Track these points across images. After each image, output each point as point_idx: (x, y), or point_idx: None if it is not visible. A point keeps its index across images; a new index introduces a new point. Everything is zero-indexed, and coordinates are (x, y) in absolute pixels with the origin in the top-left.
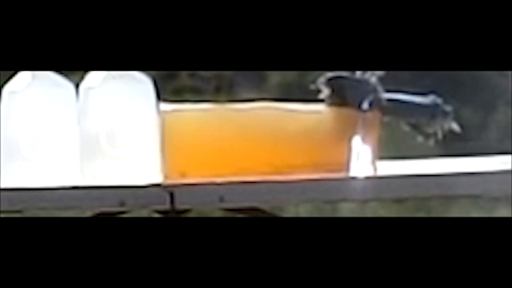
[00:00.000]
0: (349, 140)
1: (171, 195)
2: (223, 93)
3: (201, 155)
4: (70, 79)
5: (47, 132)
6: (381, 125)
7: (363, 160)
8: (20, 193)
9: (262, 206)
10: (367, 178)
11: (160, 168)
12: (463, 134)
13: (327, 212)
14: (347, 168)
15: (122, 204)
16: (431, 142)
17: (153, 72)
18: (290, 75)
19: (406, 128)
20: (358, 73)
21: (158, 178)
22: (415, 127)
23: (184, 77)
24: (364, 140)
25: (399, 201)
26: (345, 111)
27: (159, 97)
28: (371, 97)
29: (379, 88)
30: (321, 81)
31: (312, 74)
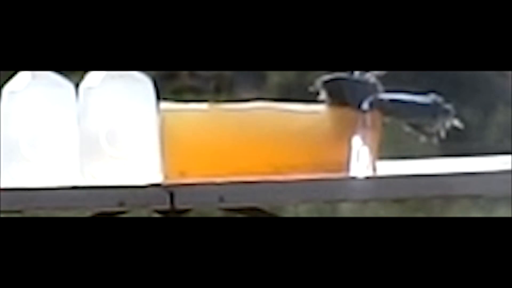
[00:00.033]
0: (349, 140)
1: (171, 195)
2: (223, 93)
3: (200, 155)
4: (70, 79)
5: (47, 132)
6: (382, 126)
7: (363, 160)
8: (20, 193)
9: (262, 206)
10: (367, 178)
11: (160, 168)
12: (463, 134)
13: (327, 212)
14: (347, 168)
15: (121, 204)
16: (435, 140)
17: (153, 72)
18: (290, 75)
19: (408, 129)
20: (357, 74)
21: (158, 178)
22: (416, 127)
23: (184, 77)
24: (364, 140)
25: (399, 201)
26: (345, 111)
27: (159, 97)
28: (371, 97)
29: (379, 88)
30: (318, 84)
31: (312, 74)
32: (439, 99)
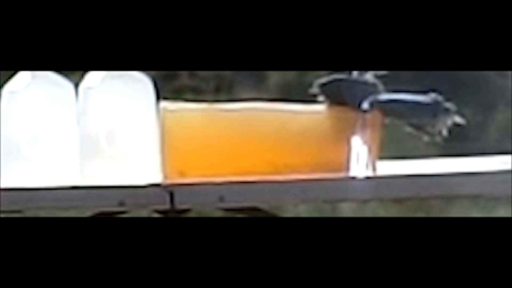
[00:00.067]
0: (349, 140)
1: (171, 195)
2: (223, 93)
3: (200, 155)
4: (70, 79)
5: (47, 132)
6: (382, 126)
7: (363, 160)
8: (20, 193)
9: (262, 206)
10: (367, 178)
11: (159, 168)
12: (463, 134)
13: (327, 212)
14: (347, 168)
15: (121, 204)
16: (438, 139)
17: (153, 72)
18: (290, 75)
19: (408, 129)
20: (355, 74)
21: (157, 178)
22: (418, 127)
23: (184, 77)
24: (364, 140)
25: (399, 201)
26: (344, 111)
27: (159, 97)
28: (370, 97)
29: (379, 89)
30: (316, 86)
31: (312, 74)
32: (440, 98)
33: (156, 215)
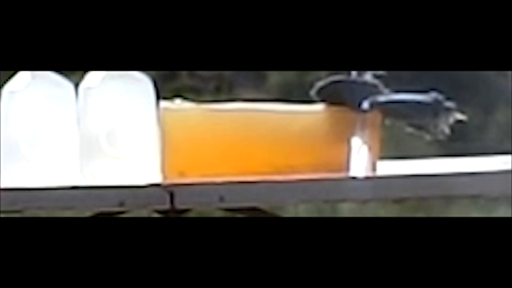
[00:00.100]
0: (349, 140)
1: (171, 195)
2: (223, 93)
3: (200, 155)
4: (70, 79)
5: (47, 132)
6: (382, 125)
7: (363, 160)
8: (20, 193)
9: (262, 206)
10: (367, 178)
11: (159, 168)
12: (463, 134)
13: (327, 212)
14: (347, 168)
15: (121, 204)
16: (441, 137)
17: (153, 72)
18: (290, 75)
19: (409, 129)
20: (354, 75)
21: (157, 178)
22: (419, 127)
23: (184, 77)
24: (364, 140)
25: (399, 201)
26: (344, 111)
27: (159, 97)
28: (371, 98)
29: (379, 89)
30: (314, 90)
31: (312, 74)
32: (440, 97)
33: (156, 215)
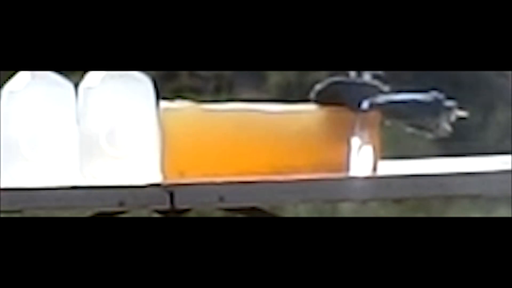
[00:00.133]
0: (349, 140)
1: (171, 195)
2: (223, 93)
3: (200, 155)
4: (70, 79)
5: (47, 132)
6: (381, 125)
7: (362, 160)
8: (20, 193)
9: (262, 206)
10: (367, 178)
11: (159, 168)
12: (463, 134)
13: (327, 212)
14: (347, 168)
15: (121, 204)
16: (442, 134)
17: (153, 72)
18: (290, 75)
19: (410, 129)
20: (353, 76)
21: (157, 178)
22: (420, 127)
23: (184, 77)
24: (363, 140)
25: (399, 201)
26: (344, 111)
27: (159, 97)
28: (370, 98)
29: (378, 90)
30: (314, 94)
31: (312, 74)
32: (441, 96)
33: (156, 215)
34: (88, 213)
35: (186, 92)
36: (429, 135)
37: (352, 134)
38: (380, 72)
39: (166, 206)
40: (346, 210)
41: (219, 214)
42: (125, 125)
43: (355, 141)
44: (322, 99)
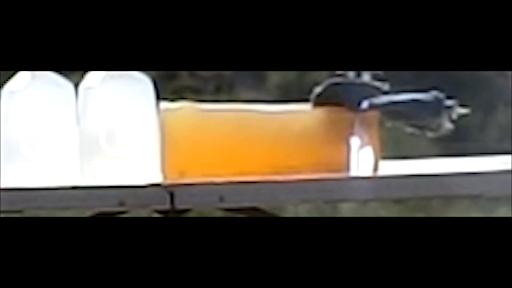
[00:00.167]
0: (349, 140)
1: (171, 195)
2: (223, 93)
3: (200, 155)
4: (70, 79)
5: (47, 132)
6: (381, 125)
7: (363, 160)
8: (20, 193)
9: (262, 206)
10: (367, 178)
11: (159, 168)
12: (463, 134)
13: (327, 212)
14: (347, 168)
15: (122, 204)
16: (443, 133)
17: (153, 72)
18: (290, 75)
19: (410, 130)
20: (351, 76)
21: (158, 178)
22: (422, 127)
23: (184, 77)
24: (363, 139)
25: (399, 201)
26: (344, 111)
27: (159, 97)
28: (370, 99)
29: (378, 90)
30: (313, 97)
31: (312, 74)
32: (441, 96)
33: (156, 215)
34: (88, 213)
35: (186, 92)
36: (431, 134)
37: (352, 134)
38: (379, 72)
39: (166, 206)
40: (346, 210)
41: (219, 214)
42: (125, 125)
43: (355, 141)
44: (321, 101)
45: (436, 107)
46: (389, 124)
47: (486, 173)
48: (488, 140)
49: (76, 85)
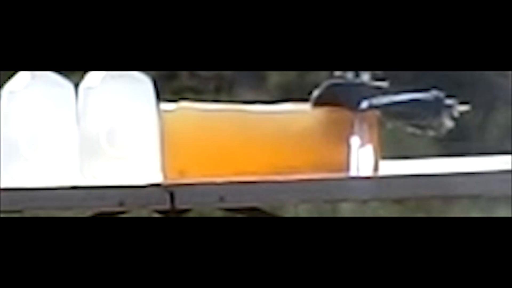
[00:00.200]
0: (349, 140)
1: (171, 195)
2: (223, 93)
3: (200, 155)
4: (70, 79)
5: (47, 132)
6: (381, 125)
7: (363, 160)
8: (20, 193)
9: (262, 206)
10: (367, 178)
11: (159, 168)
12: (463, 134)
13: (327, 212)
14: (347, 168)
15: (122, 204)
16: (444, 131)
17: (153, 72)
18: (290, 75)
19: (411, 129)
20: (350, 77)
21: (158, 178)
22: (423, 127)
23: (184, 77)
24: (363, 139)
25: (399, 201)
26: (344, 111)
27: (159, 97)
28: (370, 99)
29: (377, 90)
30: (313, 100)
31: (312, 74)
32: (441, 95)
33: (156, 215)
34: (88, 213)
35: (186, 92)
36: (432, 133)
37: (352, 134)
38: (379, 72)
39: (166, 206)
40: (346, 210)
41: (219, 214)
42: (125, 125)
43: (355, 141)
44: (321, 103)
45: (436, 106)
46: (389, 124)
47: (486, 173)
48: (488, 140)
49: (76, 85)
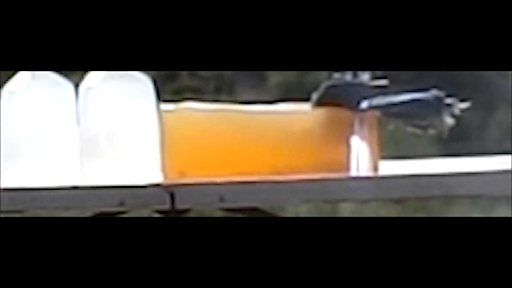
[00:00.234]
0: (349, 140)
1: (171, 195)
2: (223, 93)
3: (200, 155)
4: (70, 79)
5: (47, 132)
6: (381, 125)
7: (363, 160)
8: (20, 193)
9: (262, 206)
10: (367, 178)
11: (160, 168)
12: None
13: (327, 212)
14: (347, 168)
15: (122, 204)
16: (444, 130)
17: (153, 72)
18: (290, 75)
19: (411, 129)
20: (349, 77)
21: (158, 178)
22: (423, 127)
23: (184, 77)
24: (363, 139)
25: (399, 201)
26: (344, 111)
27: (159, 97)
28: (370, 100)
29: (377, 90)
30: (313, 102)
31: (312, 74)
32: (441, 94)
33: (156, 215)
34: (88, 213)
35: (186, 92)
36: (433, 133)
37: (352, 134)
38: (379, 72)
39: (167, 206)
40: (346, 210)
41: (219, 214)
42: (125, 125)
43: (355, 141)
44: (321, 104)
45: (437, 106)
46: (390, 125)
47: (486, 173)
48: (488, 140)
49: (76, 85)
